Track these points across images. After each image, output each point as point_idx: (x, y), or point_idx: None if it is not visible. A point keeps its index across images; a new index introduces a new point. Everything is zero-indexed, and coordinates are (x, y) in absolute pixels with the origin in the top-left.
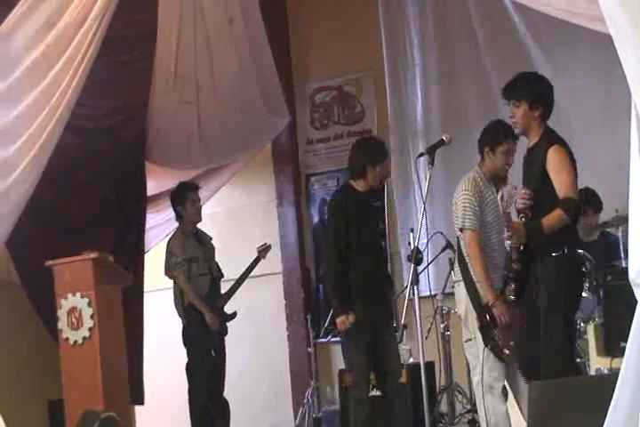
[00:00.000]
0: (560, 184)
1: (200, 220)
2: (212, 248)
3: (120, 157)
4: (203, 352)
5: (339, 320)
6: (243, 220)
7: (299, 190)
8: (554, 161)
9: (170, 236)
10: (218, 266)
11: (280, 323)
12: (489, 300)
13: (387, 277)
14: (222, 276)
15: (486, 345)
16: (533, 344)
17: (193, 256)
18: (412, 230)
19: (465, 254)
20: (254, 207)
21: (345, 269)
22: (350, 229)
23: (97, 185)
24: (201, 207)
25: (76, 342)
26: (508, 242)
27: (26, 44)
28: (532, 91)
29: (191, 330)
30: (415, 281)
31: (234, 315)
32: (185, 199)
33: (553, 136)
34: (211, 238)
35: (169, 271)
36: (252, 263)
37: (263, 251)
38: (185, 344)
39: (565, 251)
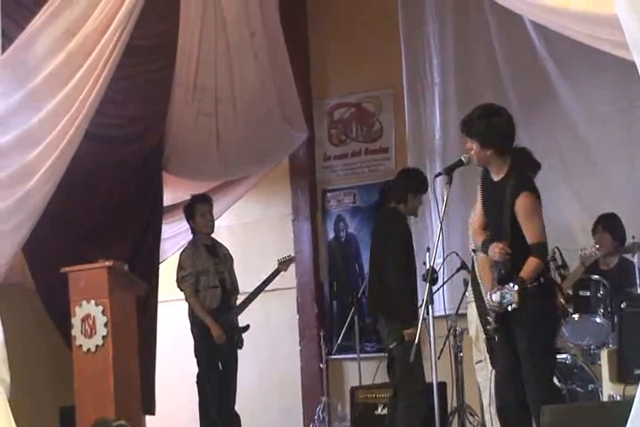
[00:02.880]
0: (531, 231)
1: (211, 231)
2: (229, 260)
3: (138, 166)
4: (210, 365)
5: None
6: (258, 233)
7: (315, 206)
8: (523, 210)
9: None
10: (233, 279)
11: (293, 338)
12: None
13: None
14: (237, 291)
15: (494, 368)
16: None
17: (202, 269)
18: (427, 250)
19: (478, 276)
20: (270, 221)
21: None
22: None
23: (114, 193)
24: (213, 219)
25: (89, 349)
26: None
27: (47, 51)
28: (481, 131)
29: (200, 343)
30: (430, 301)
31: (246, 328)
32: (194, 212)
33: (520, 177)
34: (227, 250)
35: (179, 284)
36: (270, 275)
37: (284, 263)
38: (195, 356)
39: (542, 280)
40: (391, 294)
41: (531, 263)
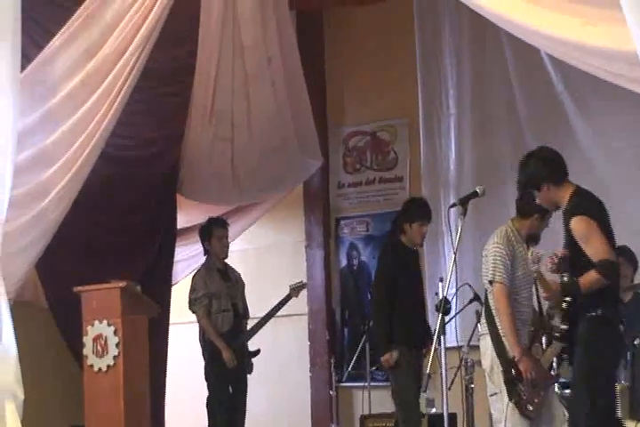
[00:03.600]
0: (593, 252)
1: (226, 256)
2: (240, 285)
3: (153, 188)
4: (220, 389)
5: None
6: (270, 259)
7: (328, 233)
8: (578, 233)
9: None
10: (245, 304)
11: (303, 364)
12: (515, 355)
13: None
14: (248, 316)
15: (511, 400)
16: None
17: (214, 292)
18: (440, 280)
19: (492, 308)
20: (283, 247)
21: None
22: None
23: (128, 215)
24: (228, 244)
25: (100, 369)
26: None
27: (66, 71)
28: (524, 181)
29: (210, 366)
30: (442, 331)
31: (257, 352)
32: (211, 235)
33: (571, 203)
34: (239, 275)
35: (191, 306)
36: (281, 301)
37: (295, 289)
38: (206, 379)
39: (599, 312)
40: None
41: (589, 274)
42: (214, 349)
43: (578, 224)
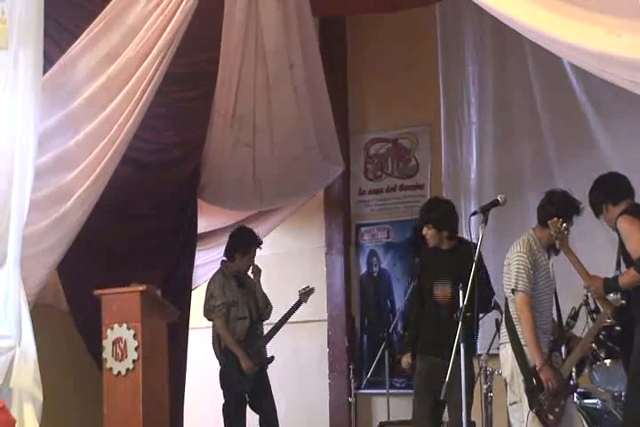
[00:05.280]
0: (632, 250)
1: (247, 272)
2: (256, 289)
3: (174, 192)
4: (236, 396)
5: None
6: (290, 264)
7: (348, 239)
8: (622, 230)
9: (211, 277)
10: (259, 307)
11: (322, 371)
12: (537, 364)
13: None
14: (267, 317)
15: (532, 409)
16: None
17: (232, 300)
18: (461, 288)
19: (514, 316)
20: (303, 253)
21: None
22: None
23: (150, 219)
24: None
25: (119, 372)
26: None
27: (88, 74)
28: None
29: (227, 373)
30: (461, 340)
31: (271, 359)
32: (247, 252)
33: (627, 208)
34: (252, 279)
35: (207, 313)
36: (293, 307)
37: (305, 294)
38: (221, 386)
39: None
40: None
41: (627, 272)
42: (231, 357)
43: (621, 222)
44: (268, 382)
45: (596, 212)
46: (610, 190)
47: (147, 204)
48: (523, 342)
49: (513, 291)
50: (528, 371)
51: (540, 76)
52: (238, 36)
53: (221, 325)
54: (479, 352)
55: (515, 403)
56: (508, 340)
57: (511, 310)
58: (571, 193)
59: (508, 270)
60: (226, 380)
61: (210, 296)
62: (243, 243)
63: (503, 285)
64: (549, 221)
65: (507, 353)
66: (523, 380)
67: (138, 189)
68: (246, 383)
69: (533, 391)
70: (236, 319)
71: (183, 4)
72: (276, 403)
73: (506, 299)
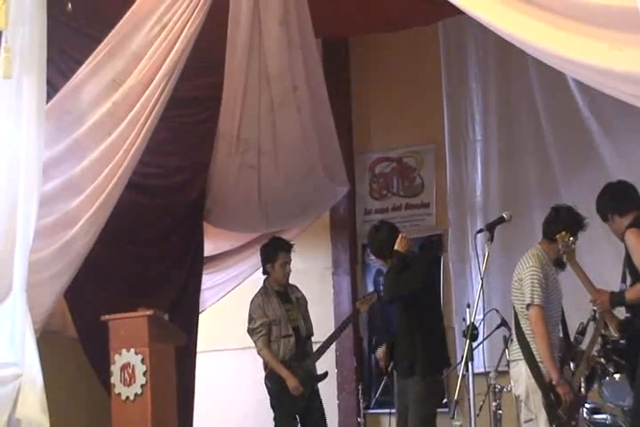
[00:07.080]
0: (637, 262)
1: (287, 282)
2: (302, 304)
3: (180, 216)
4: (287, 419)
5: None
6: (298, 285)
7: (355, 259)
8: (629, 245)
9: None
10: (308, 325)
11: (331, 391)
12: (553, 378)
13: None
14: (312, 334)
15: (552, 424)
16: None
17: (273, 319)
18: (468, 306)
19: (527, 332)
20: (309, 273)
21: None
22: None
23: (156, 243)
24: (290, 270)
25: (127, 397)
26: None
27: (93, 101)
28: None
29: (277, 397)
30: (470, 357)
31: (321, 376)
32: (276, 259)
33: (631, 223)
34: (302, 294)
35: (250, 336)
36: (348, 317)
37: (364, 302)
38: (271, 406)
39: None
40: None
41: (635, 287)
42: (278, 379)
43: (629, 236)
44: (321, 402)
45: (603, 218)
46: (617, 201)
47: (152, 228)
48: (538, 358)
49: (528, 306)
50: (545, 386)
51: (543, 92)
52: (241, 59)
53: (261, 346)
54: (487, 369)
55: (530, 420)
56: (520, 357)
57: (523, 325)
58: (575, 208)
59: (520, 286)
60: (276, 405)
61: (250, 319)
62: (267, 252)
63: (513, 301)
64: (558, 235)
65: (520, 370)
66: (542, 396)
67: (143, 213)
68: (297, 404)
69: (553, 406)
70: (280, 338)
71: (186, 28)
72: None
73: (516, 314)
